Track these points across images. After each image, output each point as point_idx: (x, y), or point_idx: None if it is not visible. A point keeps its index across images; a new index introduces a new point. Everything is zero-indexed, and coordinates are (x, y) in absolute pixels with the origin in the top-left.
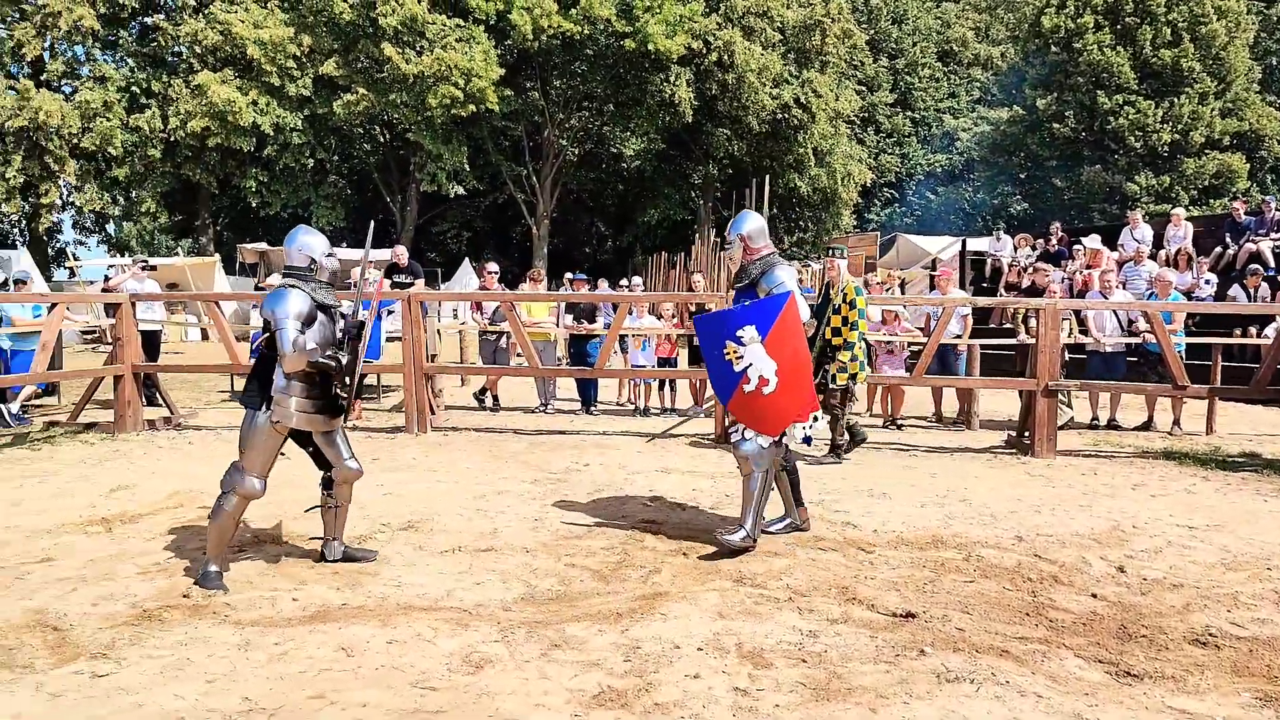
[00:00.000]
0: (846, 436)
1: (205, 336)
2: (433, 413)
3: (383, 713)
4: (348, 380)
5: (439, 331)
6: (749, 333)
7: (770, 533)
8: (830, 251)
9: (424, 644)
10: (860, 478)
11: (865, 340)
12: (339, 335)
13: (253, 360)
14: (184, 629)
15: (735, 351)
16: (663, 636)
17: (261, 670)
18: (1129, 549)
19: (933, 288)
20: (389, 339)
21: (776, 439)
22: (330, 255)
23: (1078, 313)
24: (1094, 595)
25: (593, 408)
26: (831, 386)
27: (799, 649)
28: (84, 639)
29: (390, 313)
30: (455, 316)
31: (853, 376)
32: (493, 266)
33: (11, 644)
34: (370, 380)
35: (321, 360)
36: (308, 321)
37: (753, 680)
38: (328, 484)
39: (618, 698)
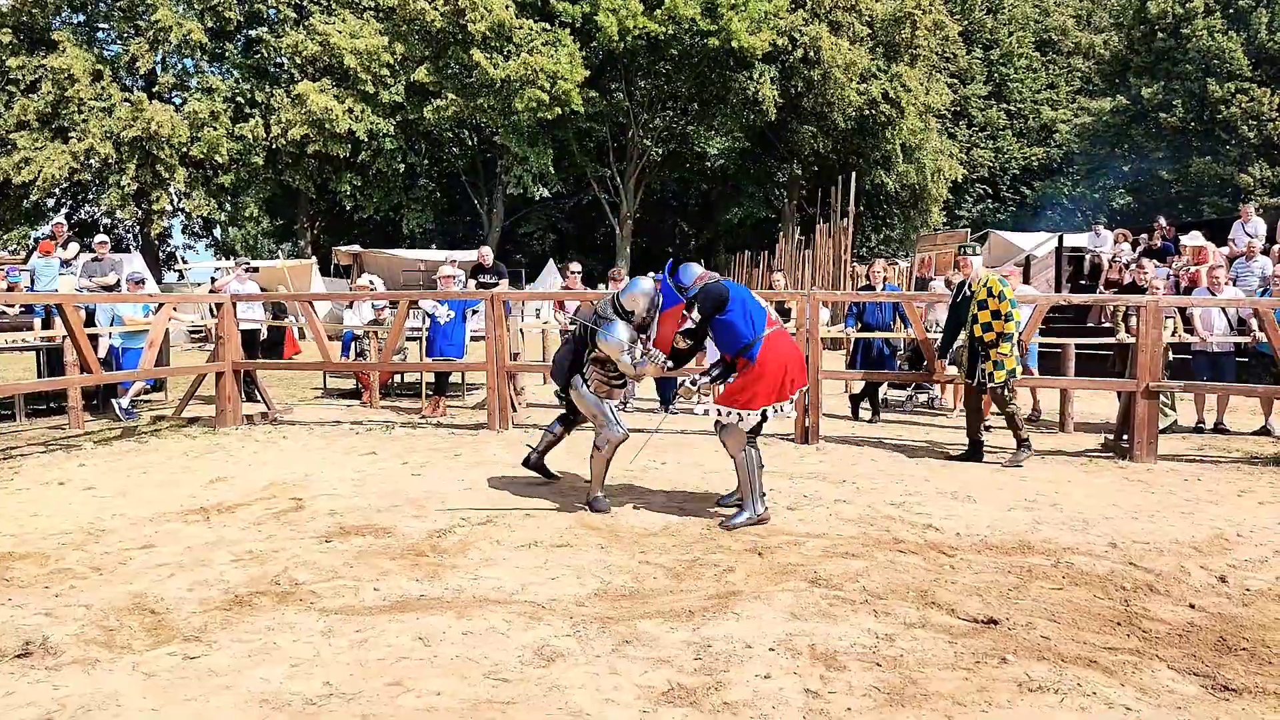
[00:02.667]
0: (1027, 430)
1: (302, 335)
2: (514, 410)
3: (456, 701)
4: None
5: (521, 331)
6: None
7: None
8: (963, 250)
9: (498, 636)
10: (945, 480)
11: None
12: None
13: (566, 348)
14: (272, 615)
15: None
16: (734, 636)
17: (343, 656)
18: (1232, 558)
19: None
20: (473, 338)
21: (747, 423)
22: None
23: (1183, 311)
24: (1192, 605)
25: (672, 406)
26: (990, 385)
27: (874, 652)
28: (179, 622)
29: (475, 312)
30: (538, 316)
31: (1012, 372)
32: (576, 266)
33: (113, 625)
34: (454, 379)
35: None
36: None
37: (824, 682)
38: (564, 421)
39: (687, 695)
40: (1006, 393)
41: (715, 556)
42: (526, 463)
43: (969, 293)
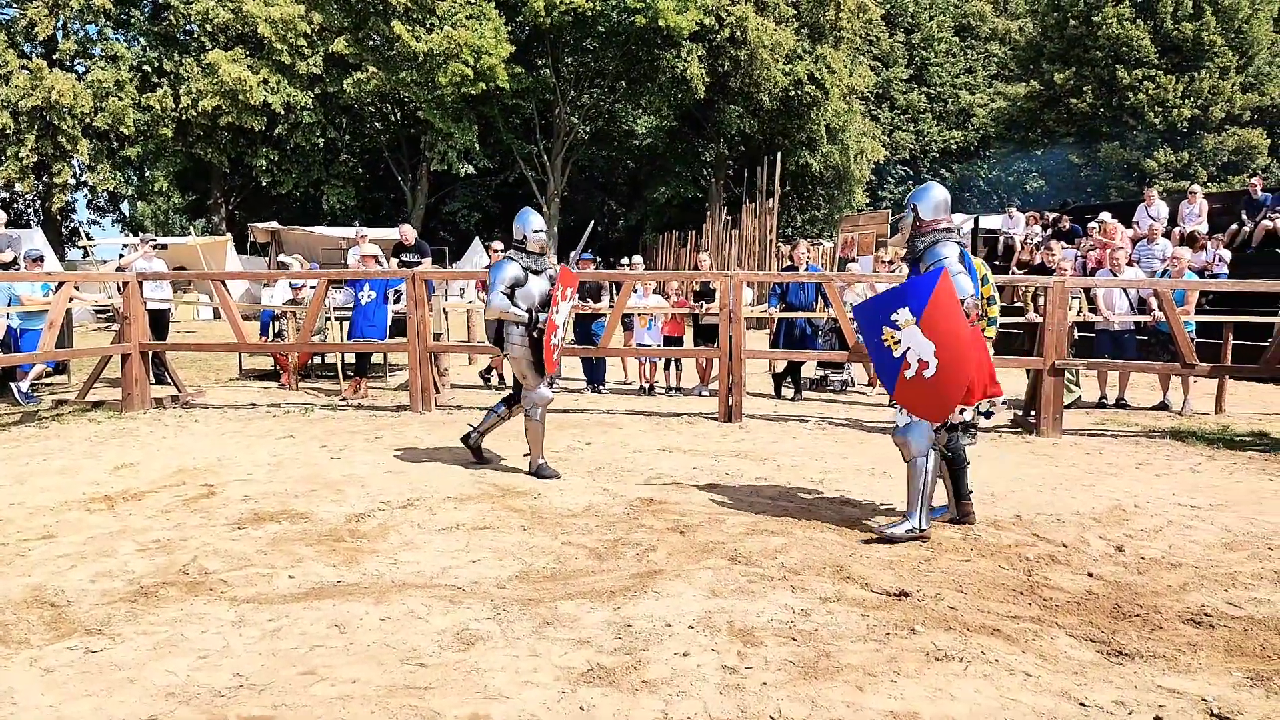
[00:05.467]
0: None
1: (217, 316)
2: (438, 391)
3: (371, 689)
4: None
5: (445, 311)
6: (903, 315)
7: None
8: None
9: (416, 621)
10: (861, 456)
11: None
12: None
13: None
14: (179, 606)
15: (893, 337)
16: (654, 614)
17: (254, 646)
18: (1129, 528)
19: None
20: (395, 318)
21: (938, 424)
22: (538, 232)
23: (1088, 291)
24: (1090, 574)
25: (600, 386)
26: None
27: (790, 627)
28: (80, 615)
29: (398, 293)
30: (462, 296)
31: None
32: (499, 245)
33: (9, 620)
34: (376, 359)
35: (511, 313)
36: (520, 283)
37: (741, 658)
38: (509, 402)
39: (606, 675)
40: None
41: (637, 536)
42: (465, 440)
43: None
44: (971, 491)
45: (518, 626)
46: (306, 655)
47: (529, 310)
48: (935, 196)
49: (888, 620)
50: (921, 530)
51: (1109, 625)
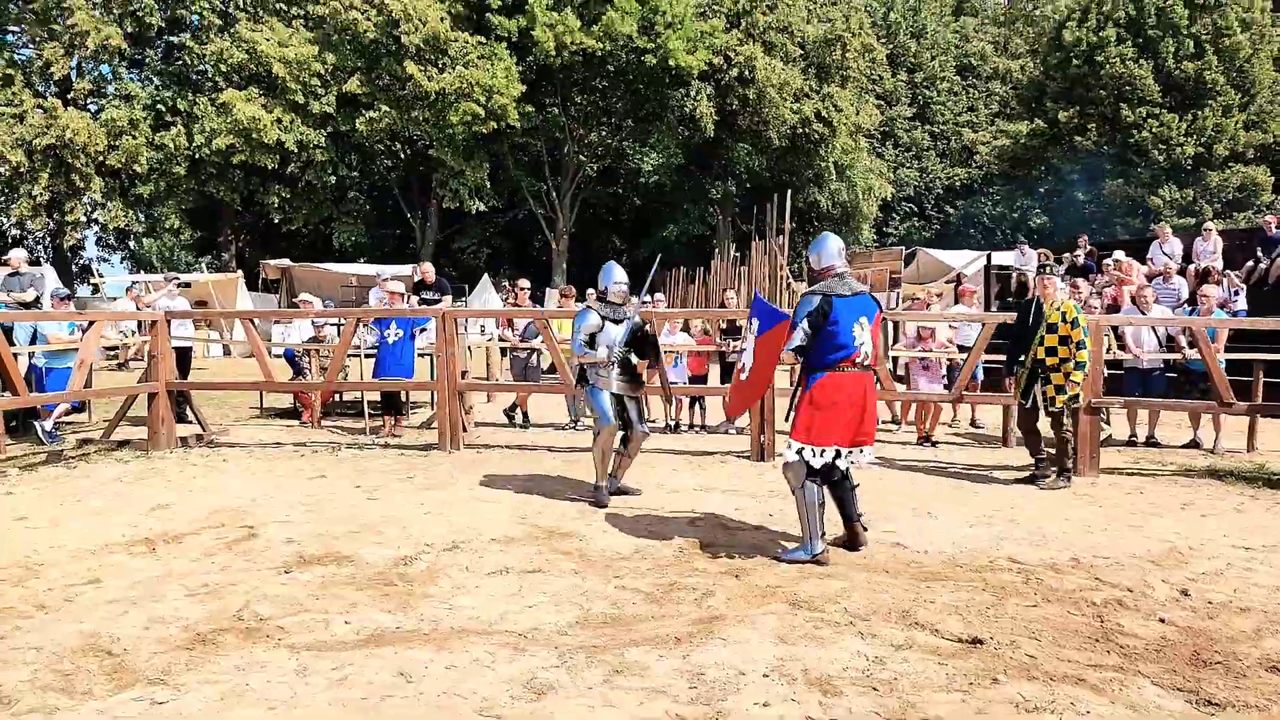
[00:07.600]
0: (1071, 460)
1: (227, 352)
2: (464, 430)
3: None
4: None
5: (470, 348)
6: (754, 326)
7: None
8: (1044, 269)
9: (483, 669)
10: (900, 495)
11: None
12: (626, 337)
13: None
14: (239, 653)
15: (746, 333)
16: (725, 662)
17: (322, 696)
18: (1189, 571)
19: (957, 302)
20: (420, 355)
21: (804, 459)
22: (619, 284)
23: (1114, 328)
24: (1161, 620)
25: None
26: (1051, 410)
27: (867, 676)
28: (140, 664)
29: (423, 330)
30: (483, 333)
31: (1073, 397)
32: (524, 283)
33: (68, 669)
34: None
35: (589, 357)
36: (599, 329)
37: (824, 709)
38: (625, 441)
39: None
40: (1066, 418)
41: (692, 579)
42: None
43: (1040, 313)
44: (861, 515)
45: (587, 675)
46: (379, 706)
47: (608, 348)
48: (825, 247)
49: (967, 669)
50: (815, 555)
51: (1192, 674)
